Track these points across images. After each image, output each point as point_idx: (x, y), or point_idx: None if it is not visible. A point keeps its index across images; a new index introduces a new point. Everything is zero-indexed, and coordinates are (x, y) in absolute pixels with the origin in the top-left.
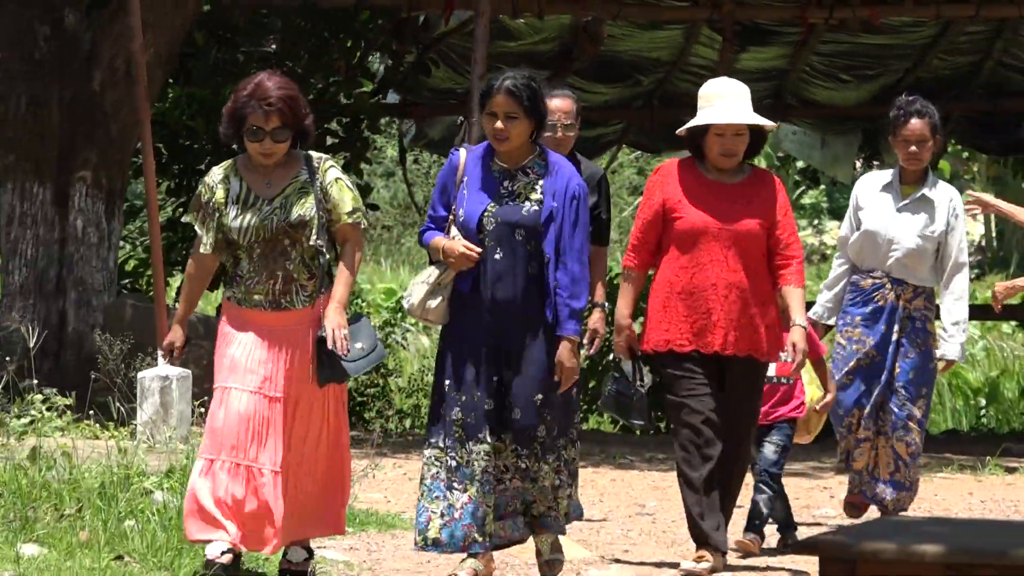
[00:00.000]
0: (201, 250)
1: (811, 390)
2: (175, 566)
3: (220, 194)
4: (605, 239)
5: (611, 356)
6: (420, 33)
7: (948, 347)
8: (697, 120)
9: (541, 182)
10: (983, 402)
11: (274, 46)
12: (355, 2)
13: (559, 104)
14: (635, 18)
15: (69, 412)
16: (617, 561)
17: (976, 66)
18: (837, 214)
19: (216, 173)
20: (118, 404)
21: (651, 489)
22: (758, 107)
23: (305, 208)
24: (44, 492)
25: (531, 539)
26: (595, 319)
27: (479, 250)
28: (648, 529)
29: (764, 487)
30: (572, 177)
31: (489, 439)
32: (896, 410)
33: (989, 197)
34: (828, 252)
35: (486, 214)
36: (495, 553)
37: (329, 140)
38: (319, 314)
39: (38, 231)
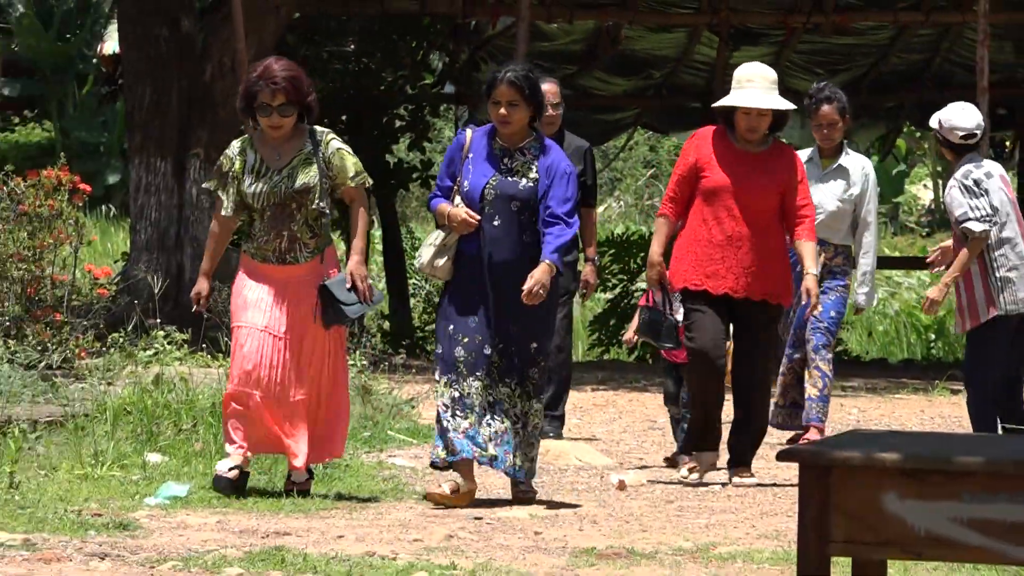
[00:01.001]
0: (223, 213)
1: None
2: (272, 471)
3: (238, 165)
4: (592, 202)
5: (632, 301)
6: (472, 36)
7: (858, 296)
8: (728, 100)
9: (536, 163)
10: (933, 337)
11: (352, 46)
12: (419, 10)
13: (547, 88)
14: (647, 23)
15: (186, 345)
16: (634, 467)
17: (926, 63)
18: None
19: (235, 147)
20: (226, 339)
21: (660, 408)
22: None
23: (309, 176)
24: (165, 411)
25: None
26: (588, 271)
27: (478, 217)
28: (659, 441)
29: None
30: (562, 159)
31: (486, 378)
32: (815, 339)
33: (941, 288)
34: None
35: (488, 186)
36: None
37: (397, 123)
38: (320, 267)
39: (160, 197)
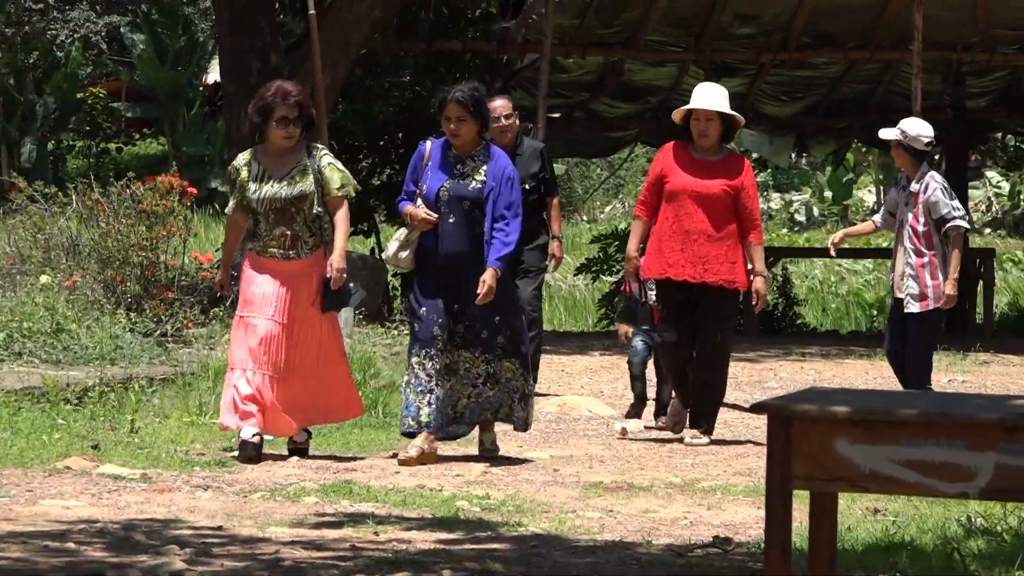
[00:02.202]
0: (227, 211)
1: None
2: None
3: (244, 173)
4: (553, 191)
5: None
6: (504, 69)
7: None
8: (685, 106)
9: (484, 167)
10: (875, 312)
11: (408, 77)
12: (461, 48)
13: (500, 103)
14: (646, 59)
15: None
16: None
17: (872, 91)
18: (777, 188)
19: (241, 158)
20: None
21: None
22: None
23: (306, 184)
24: None
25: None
26: (555, 246)
27: (435, 216)
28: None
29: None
30: (507, 164)
31: (458, 352)
32: None
33: (953, 284)
34: (773, 214)
35: (443, 189)
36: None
37: None
38: (319, 262)
39: None
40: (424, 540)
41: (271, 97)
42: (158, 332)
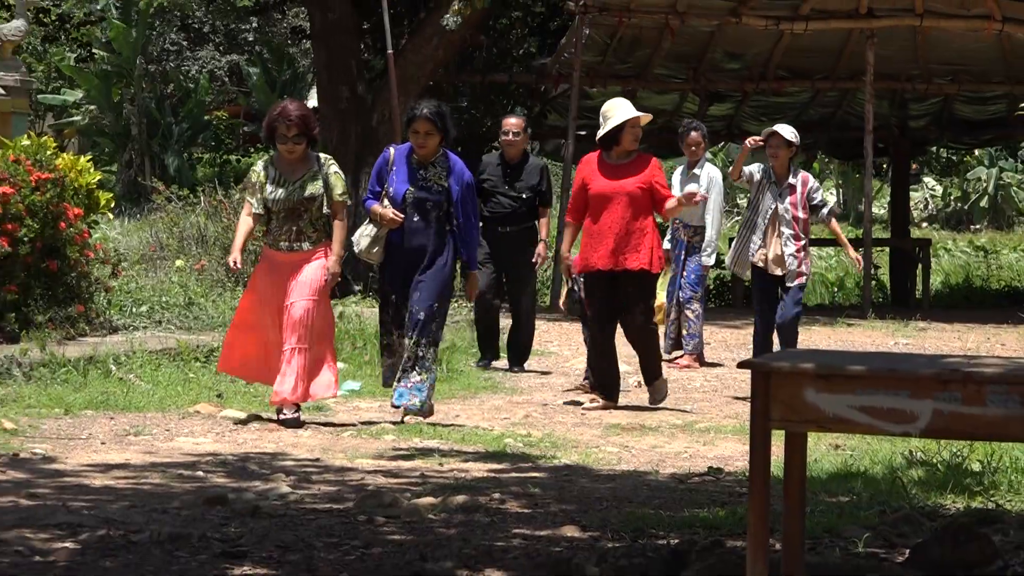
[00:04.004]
0: (253, 210)
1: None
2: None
3: (263, 177)
4: (547, 203)
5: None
6: (542, 96)
7: (704, 258)
8: (614, 121)
9: (445, 174)
10: (836, 289)
11: (465, 103)
12: (507, 80)
13: (514, 121)
14: (653, 88)
15: (359, 292)
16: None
17: (833, 113)
18: None
19: (259, 165)
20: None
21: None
22: (719, 137)
23: (316, 188)
24: (346, 335)
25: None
26: (540, 248)
27: (402, 216)
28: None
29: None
30: (464, 171)
31: (400, 331)
32: (682, 294)
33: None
34: None
35: (408, 192)
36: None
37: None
38: (320, 253)
39: None
40: (478, 469)
41: (275, 116)
42: None
